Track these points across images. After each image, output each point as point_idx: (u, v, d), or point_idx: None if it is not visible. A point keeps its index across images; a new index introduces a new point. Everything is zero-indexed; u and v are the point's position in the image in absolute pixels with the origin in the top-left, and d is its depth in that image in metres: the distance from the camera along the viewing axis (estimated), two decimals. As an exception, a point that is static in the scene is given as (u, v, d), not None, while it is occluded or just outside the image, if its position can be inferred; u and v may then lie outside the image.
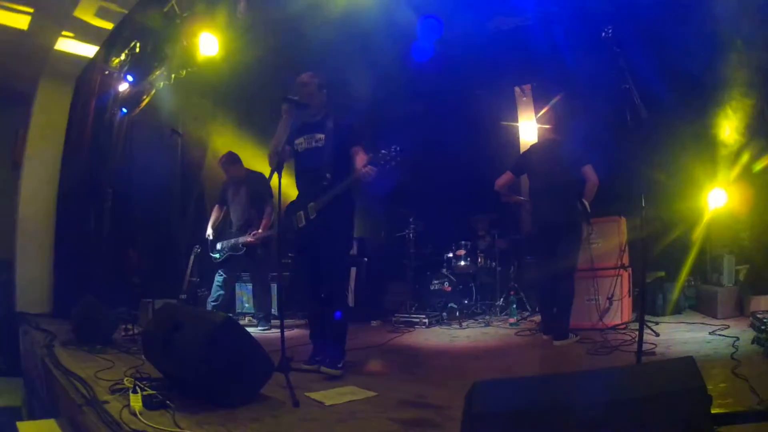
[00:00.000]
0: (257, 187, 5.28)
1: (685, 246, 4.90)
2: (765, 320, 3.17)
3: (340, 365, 3.21)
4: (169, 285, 5.73)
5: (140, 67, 6.18)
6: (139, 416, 2.20)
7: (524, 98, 6.93)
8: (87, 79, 6.51)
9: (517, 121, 6.97)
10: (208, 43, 5.19)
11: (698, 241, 4.87)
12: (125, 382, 2.66)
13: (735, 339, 3.39)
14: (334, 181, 3.26)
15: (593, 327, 4.35)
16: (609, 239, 4.69)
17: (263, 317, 5.42)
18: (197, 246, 5.69)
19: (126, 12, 5.45)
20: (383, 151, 3.07)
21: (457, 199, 6.58)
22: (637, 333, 2.67)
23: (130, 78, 6.21)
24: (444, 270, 6.21)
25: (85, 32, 5.73)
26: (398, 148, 3.05)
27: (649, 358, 3.09)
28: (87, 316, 4.17)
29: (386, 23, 4.79)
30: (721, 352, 3.15)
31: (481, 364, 3.74)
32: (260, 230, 5.23)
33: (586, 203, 4.16)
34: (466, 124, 6.77)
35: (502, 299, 6.01)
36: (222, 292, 5.28)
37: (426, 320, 5.51)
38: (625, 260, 4.62)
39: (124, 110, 6.50)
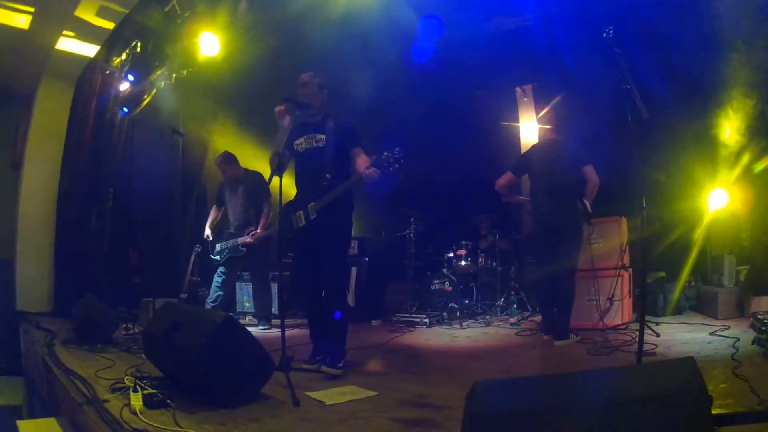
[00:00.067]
0: (254, 186, 5.27)
1: (685, 246, 4.89)
2: (765, 321, 3.17)
3: (340, 365, 3.21)
4: (169, 284, 5.75)
5: (141, 67, 6.18)
6: (139, 415, 2.20)
7: (525, 98, 6.92)
8: (88, 79, 6.50)
9: (517, 121, 6.96)
10: (209, 43, 5.20)
11: (699, 241, 4.87)
12: (126, 381, 2.66)
13: (735, 340, 3.38)
14: (334, 181, 3.27)
15: (594, 327, 4.35)
16: (609, 239, 4.69)
17: (264, 317, 5.42)
18: (198, 245, 5.69)
19: (127, 12, 5.45)
20: (385, 153, 3.08)
21: (458, 199, 6.58)
22: (637, 333, 2.67)
23: (130, 78, 6.21)
24: (445, 270, 6.22)
25: (86, 32, 5.72)
26: (399, 150, 3.07)
27: (650, 358, 3.09)
28: (87, 315, 4.17)
29: (386, 23, 4.79)
30: (721, 353, 3.15)
31: (482, 364, 3.74)
32: (259, 230, 5.22)
33: (587, 203, 4.16)
34: (467, 124, 6.78)
35: (502, 299, 6.01)
36: (221, 292, 5.27)
37: (426, 320, 5.50)
38: (626, 260, 4.62)
39: (125, 110, 6.49)
